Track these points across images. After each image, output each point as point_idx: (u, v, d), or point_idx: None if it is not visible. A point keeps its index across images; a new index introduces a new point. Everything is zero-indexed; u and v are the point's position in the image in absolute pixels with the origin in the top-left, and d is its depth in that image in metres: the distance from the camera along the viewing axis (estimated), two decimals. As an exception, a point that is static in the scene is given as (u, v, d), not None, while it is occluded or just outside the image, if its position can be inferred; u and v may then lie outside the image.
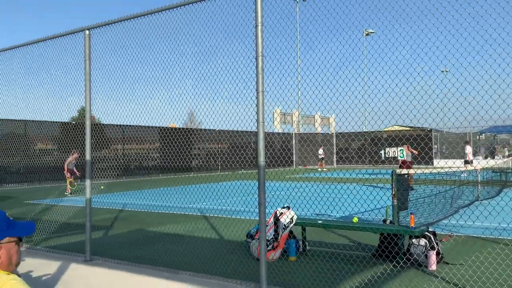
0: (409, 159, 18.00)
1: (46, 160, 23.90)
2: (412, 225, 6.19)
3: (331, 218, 10.35)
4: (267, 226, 6.54)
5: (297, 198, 13.66)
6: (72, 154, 17.96)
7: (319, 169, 33.43)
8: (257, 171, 4.97)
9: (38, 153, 24.20)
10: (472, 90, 4.41)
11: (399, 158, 18.30)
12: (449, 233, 7.66)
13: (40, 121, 23.07)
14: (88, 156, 6.72)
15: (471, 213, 8.54)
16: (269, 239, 6.62)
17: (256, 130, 4.98)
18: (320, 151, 34.81)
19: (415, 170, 9.59)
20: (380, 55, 4.79)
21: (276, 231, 6.76)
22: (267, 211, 5.07)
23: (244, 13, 5.12)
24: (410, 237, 6.36)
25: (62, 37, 7.06)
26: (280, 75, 5.41)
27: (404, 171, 7.39)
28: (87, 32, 6.66)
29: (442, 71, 4.78)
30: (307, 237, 7.19)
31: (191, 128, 32.15)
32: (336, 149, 40.21)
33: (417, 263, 6.13)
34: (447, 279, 5.55)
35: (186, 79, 6.27)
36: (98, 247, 7.37)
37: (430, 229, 6.49)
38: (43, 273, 5.97)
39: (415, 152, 19.11)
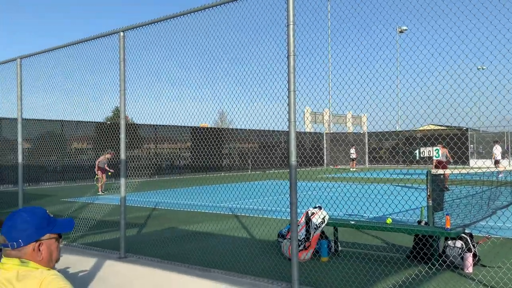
0: (445, 159, 17.61)
1: (82, 159, 24.55)
2: (448, 226, 6.04)
3: (363, 218, 10.22)
4: (298, 226, 6.51)
5: (328, 198, 13.55)
6: (105, 155, 18.33)
7: (352, 169, 33.10)
8: (287, 170, 4.95)
9: (74, 152, 24.86)
10: (511, 88, 4.26)
11: (434, 158, 17.91)
12: (487, 235, 7.44)
13: (76, 121, 23.70)
14: (122, 156, 6.85)
15: (510, 214, 8.26)
16: (301, 239, 6.59)
17: (287, 130, 4.95)
18: (352, 150, 34.47)
19: (451, 170, 9.35)
20: (415, 53, 4.69)
21: (307, 231, 6.72)
22: (298, 211, 5.05)
23: (276, 12, 5.11)
24: (446, 239, 6.21)
25: (97, 39, 7.23)
26: (312, 74, 5.36)
27: (440, 171, 7.22)
28: (121, 34, 6.78)
29: (479, 69, 4.63)
30: (339, 238, 7.12)
31: (222, 128, 32.40)
32: (369, 148, 39.65)
33: (453, 266, 5.98)
34: (484, 282, 5.39)
35: (217, 79, 6.31)
36: (132, 244, 7.51)
37: (466, 231, 6.32)
38: (80, 269, 6.13)
39: (449, 156, 18.68)
